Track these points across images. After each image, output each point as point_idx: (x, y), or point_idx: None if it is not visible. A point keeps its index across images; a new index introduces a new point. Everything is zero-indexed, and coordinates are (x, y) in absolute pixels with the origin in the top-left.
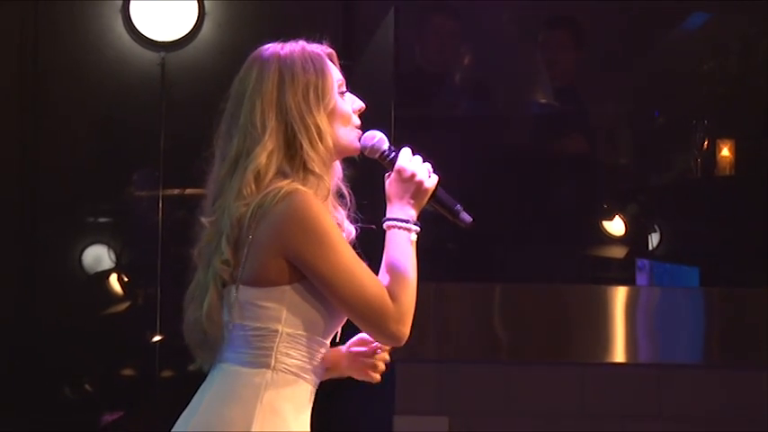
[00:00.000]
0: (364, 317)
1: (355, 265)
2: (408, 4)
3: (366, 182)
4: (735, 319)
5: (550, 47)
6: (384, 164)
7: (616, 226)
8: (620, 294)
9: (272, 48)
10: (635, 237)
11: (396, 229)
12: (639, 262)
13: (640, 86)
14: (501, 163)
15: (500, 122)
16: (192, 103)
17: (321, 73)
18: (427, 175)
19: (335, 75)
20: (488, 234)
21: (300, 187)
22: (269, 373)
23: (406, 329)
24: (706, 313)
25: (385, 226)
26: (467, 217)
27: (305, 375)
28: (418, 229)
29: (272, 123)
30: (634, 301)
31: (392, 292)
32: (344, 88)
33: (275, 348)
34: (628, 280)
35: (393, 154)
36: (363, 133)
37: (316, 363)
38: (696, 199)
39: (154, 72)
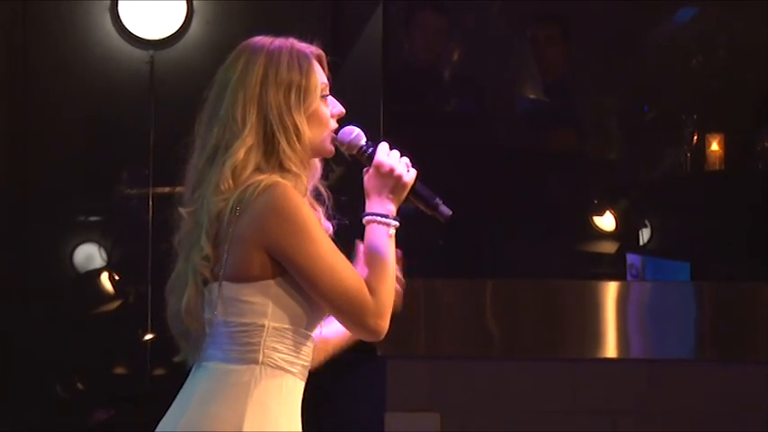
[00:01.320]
0: (343, 310)
1: (335, 258)
2: (397, 0)
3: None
4: (726, 314)
5: (539, 42)
6: (362, 159)
7: (606, 221)
8: (611, 290)
9: (261, 41)
10: (625, 232)
11: (375, 224)
12: (630, 257)
13: (629, 81)
14: (491, 159)
15: (490, 118)
16: (180, 101)
17: (306, 74)
18: (406, 170)
19: (320, 77)
20: (479, 230)
21: (280, 180)
22: (257, 368)
23: (384, 323)
24: (697, 308)
25: (364, 221)
26: (446, 210)
27: (292, 369)
28: (397, 223)
29: (252, 118)
30: (625, 296)
31: (371, 285)
32: (327, 92)
33: (262, 343)
34: (619, 275)
35: (371, 149)
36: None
37: (303, 356)
38: (686, 194)
39: (143, 70)
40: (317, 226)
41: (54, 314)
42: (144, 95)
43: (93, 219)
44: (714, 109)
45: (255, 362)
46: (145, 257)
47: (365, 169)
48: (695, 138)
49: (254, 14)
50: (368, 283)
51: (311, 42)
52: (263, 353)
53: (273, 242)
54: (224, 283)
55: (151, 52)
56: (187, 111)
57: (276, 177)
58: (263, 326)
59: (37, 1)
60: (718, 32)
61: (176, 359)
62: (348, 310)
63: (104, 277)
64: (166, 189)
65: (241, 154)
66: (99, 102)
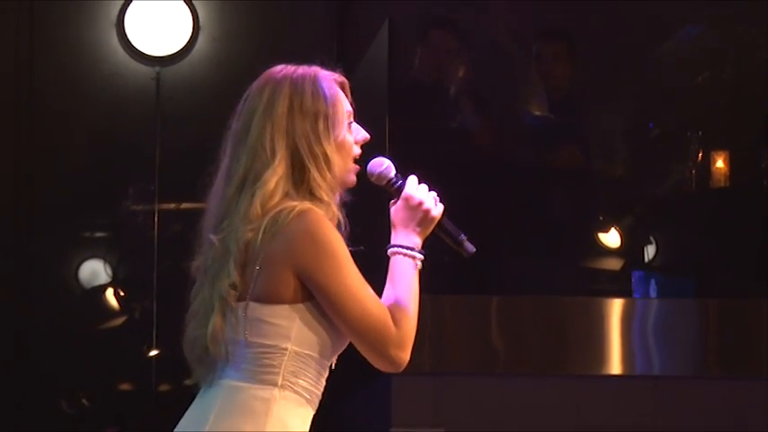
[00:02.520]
0: (366, 339)
1: (361, 288)
2: (403, 16)
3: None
4: (731, 331)
5: (545, 59)
6: (390, 191)
7: (612, 238)
8: (616, 306)
9: (285, 70)
10: (631, 249)
11: (400, 256)
12: (635, 274)
13: (635, 98)
14: (496, 175)
15: (495, 135)
16: (186, 118)
17: (332, 103)
18: (434, 204)
19: (346, 105)
20: (484, 246)
21: (313, 207)
22: (276, 390)
23: (405, 356)
24: (702, 325)
25: (389, 252)
26: (470, 247)
27: (308, 396)
28: (422, 257)
29: (281, 148)
30: (630, 313)
31: (394, 317)
32: (351, 119)
33: (282, 366)
34: (624, 292)
35: (400, 182)
36: (369, 160)
37: (319, 386)
38: (691, 210)
39: (149, 86)
40: (347, 255)
41: (59, 330)
42: (150, 112)
43: (98, 235)
44: (719, 126)
45: (274, 384)
46: (150, 273)
47: (392, 201)
48: (700, 155)
49: (259, 31)
50: (392, 314)
51: (334, 70)
52: (283, 376)
53: (304, 266)
54: (251, 303)
55: (157, 69)
56: (193, 127)
57: (309, 204)
58: (286, 349)
59: (43, 18)
60: (724, 49)
61: (187, 382)
62: (371, 340)
63: (109, 293)
64: (172, 205)
65: (272, 184)
66: (105, 118)
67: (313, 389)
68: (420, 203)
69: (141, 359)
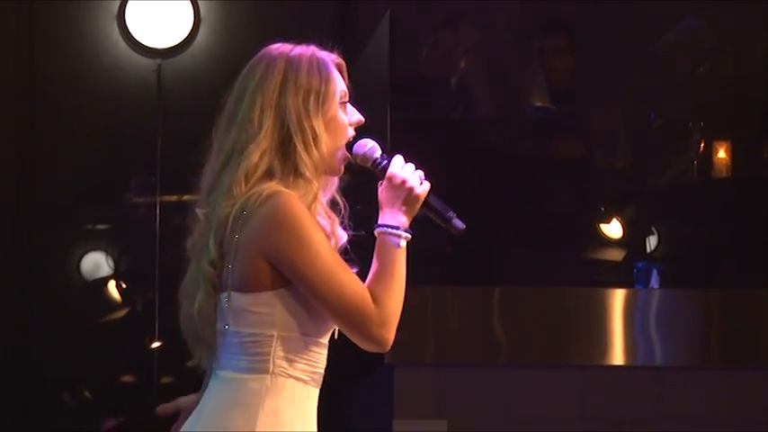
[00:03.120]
0: (345, 319)
1: (336, 267)
2: (404, 7)
3: (360, 188)
4: (733, 321)
5: (547, 51)
6: (376, 172)
7: (614, 229)
8: (618, 297)
9: (281, 48)
10: (633, 239)
11: (386, 236)
12: (637, 264)
13: (637, 89)
14: (498, 166)
15: (497, 126)
16: (188, 110)
17: (325, 80)
18: (419, 183)
19: (340, 84)
20: (486, 237)
21: (283, 189)
22: (268, 378)
23: (389, 334)
24: (704, 315)
25: (375, 233)
26: (459, 224)
27: (304, 377)
28: (408, 236)
29: (269, 122)
30: (632, 303)
31: (376, 295)
32: (346, 99)
33: (272, 353)
34: (626, 282)
35: (385, 162)
36: (355, 141)
37: (314, 363)
38: (693, 201)
39: (150, 79)
40: (319, 235)
41: (61, 322)
42: (151, 104)
43: (100, 227)
44: (721, 116)
45: (266, 371)
46: (152, 266)
47: (379, 182)
48: (702, 145)
49: (261, 23)
50: (373, 293)
51: (332, 51)
52: (274, 362)
53: (275, 253)
54: (232, 293)
55: (158, 61)
56: (194, 119)
57: (279, 187)
58: (272, 336)
59: (44, 10)
60: (725, 40)
61: (189, 364)
62: (350, 320)
63: (112, 285)
64: (174, 197)
65: (256, 157)
66: (106, 110)
67: (312, 368)
68: (404, 182)
69: (143, 351)
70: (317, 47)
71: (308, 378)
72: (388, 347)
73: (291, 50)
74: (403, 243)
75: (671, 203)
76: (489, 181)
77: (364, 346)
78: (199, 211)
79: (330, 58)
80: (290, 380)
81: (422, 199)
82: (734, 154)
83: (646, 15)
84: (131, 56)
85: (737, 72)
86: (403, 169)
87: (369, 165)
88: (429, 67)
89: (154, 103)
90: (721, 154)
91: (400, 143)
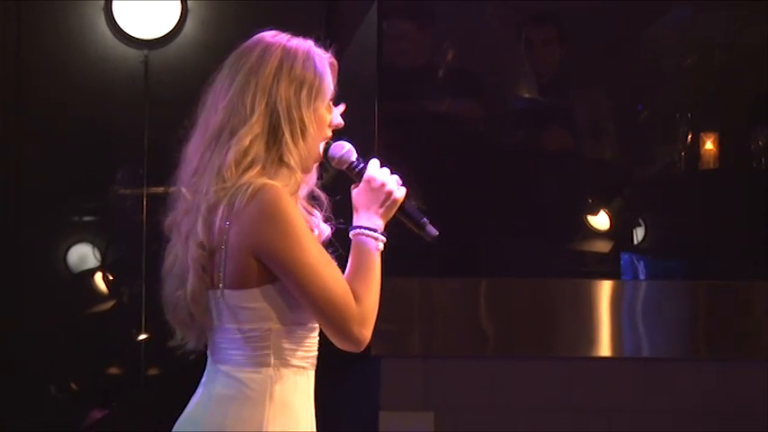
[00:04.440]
0: (327, 316)
1: (321, 263)
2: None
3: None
4: (720, 312)
5: (534, 42)
6: (351, 175)
7: (601, 220)
8: (605, 288)
9: (278, 36)
10: (620, 231)
11: (362, 237)
12: (624, 256)
13: (624, 81)
14: (485, 158)
15: (485, 117)
16: (175, 101)
17: (320, 76)
18: (396, 186)
19: (331, 85)
20: (473, 229)
21: (269, 181)
22: (270, 371)
23: (367, 333)
24: (691, 307)
25: (351, 234)
26: (433, 230)
27: (303, 364)
28: (384, 239)
29: (261, 107)
30: (619, 295)
31: (357, 293)
32: (333, 100)
33: (272, 347)
34: (613, 274)
35: (361, 165)
36: (333, 143)
37: (311, 348)
38: (680, 192)
39: (137, 70)
40: (305, 229)
41: (48, 314)
42: (138, 95)
43: (87, 219)
44: (708, 108)
45: (268, 365)
46: (139, 257)
47: (353, 185)
48: (689, 136)
49: (248, 14)
50: (353, 291)
51: (326, 50)
52: (274, 355)
53: (262, 248)
54: (226, 291)
55: (145, 52)
56: (181, 110)
57: (265, 179)
58: (270, 329)
59: (30, 1)
60: (713, 32)
61: (171, 343)
62: (332, 317)
63: (98, 277)
64: (161, 189)
65: (247, 141)
66: (93, 102)
67: (310, 354)
68: (382, 185)
69: (130, 343)
70: (313, 42)
71: (306, 364)
72: (364, 346)
73: (288, 40)
74: (381, 246)
75: (658, 195)
76: (476, 172)
77: (341, 343)
78: (183, 189)
79: (325, 56)
80: (292, 368)
81: (399, 203)
82: (721, 145)
83: (634, 5)
84: (118, 47)
85: (725, 63)
86: (380, 172)
87: (344, 168)
88: (394, 56)
89: (141, 94)
90: (709, 145)
91: (387, 134)
